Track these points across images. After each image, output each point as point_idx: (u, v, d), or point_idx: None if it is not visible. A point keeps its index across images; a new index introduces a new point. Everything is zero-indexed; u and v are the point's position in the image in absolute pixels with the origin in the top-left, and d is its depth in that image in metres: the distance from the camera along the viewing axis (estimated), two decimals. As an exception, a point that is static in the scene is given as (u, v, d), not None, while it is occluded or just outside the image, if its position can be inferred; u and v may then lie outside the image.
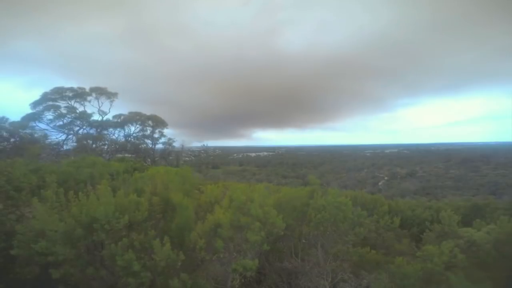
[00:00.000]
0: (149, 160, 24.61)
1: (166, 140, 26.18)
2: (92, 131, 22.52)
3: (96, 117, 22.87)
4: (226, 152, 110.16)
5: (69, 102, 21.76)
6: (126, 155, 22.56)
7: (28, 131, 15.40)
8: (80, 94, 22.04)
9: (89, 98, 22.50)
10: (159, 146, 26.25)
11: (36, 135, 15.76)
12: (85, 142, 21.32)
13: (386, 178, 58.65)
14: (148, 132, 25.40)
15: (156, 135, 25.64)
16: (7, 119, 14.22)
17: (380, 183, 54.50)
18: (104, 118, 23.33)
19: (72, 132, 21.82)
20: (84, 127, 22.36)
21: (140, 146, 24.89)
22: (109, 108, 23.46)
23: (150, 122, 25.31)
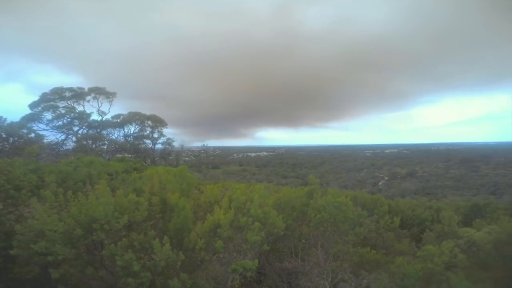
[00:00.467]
0: (149, 160, 24.60)
1: (165, 140, 26.19)
2: (92, 131, 22.51)
3: (95, 117, 22.91)
4: (226, 152, 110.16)
5: (68, 102, 21.77)
6: (126, 155, 22.55)
7: (25, 131, 15.36)
8: (79, 94, 22.03)
9: (87, 98, 22.51)
10: (159, 146, 26.28)
11: (33, 135, 15.71)
12: (84, 142, 21.31)
13: (386, 178, 58.65)
14: (148, 132, 25.41)
15: (155, 135, 25.67)
16: (5, 119, 14.21)
17: (380, 183, 54.50)
18: (104, 118, 23.35)
19: (71, 132, 21.81)
20: (84, 127, 22.36)
21: (139, 146, 24.89)
22: (109, 108, 23.49)
23: (149, 122, 25.31)
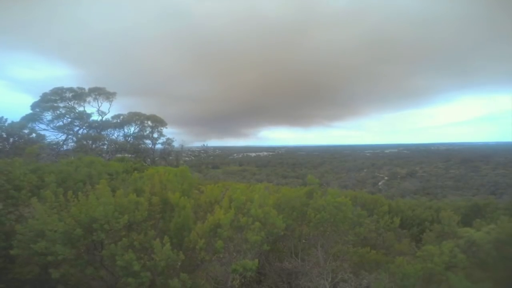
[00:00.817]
0: (148, 160, 24.61)
1: (165, 140, 26.20)
2: (92, 131, 22.53)
3: (96, 117, 22.94)
4: (226, 152, 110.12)
5: (69, 103, 21.79)
6: (126, 155, 22.56)
7: (25, 131, 15.36)
8: (79, 95, 22.06)
9: (88, 98, 22.54)
10: (159, 146, 26.30)
11: (33, 135, 15.69)
12: (84, 142, 21.32)
13: (386, 178, 58.64)
14: (147, 132, 25.42)
15: (155, 135, 25.68)
16: (6, 119, 14.20)
17: (380, 183, 54.50)
18: (104, 118, 23.38)
19: (72, 132, 21.83)
20: (84, 127, 22.38)
21: (139, 146, 24.90)
22: (109, 108, 23.52)
23: (149, 122, 25.32)
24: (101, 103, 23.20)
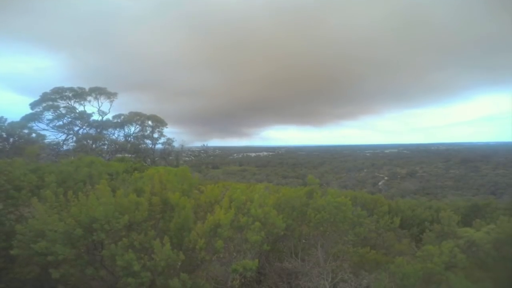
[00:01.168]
0: (149, 160, 24.63)
1: (165, 140, 26.24)
2: (92, 131, 22.55)
3: (96, 117, 22.97)
4: (226, 152, 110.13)
5: (69, 102, 21.82)
6: (126, 155, 22.58)
7: (26, 131, 15.36)
8: (79, 94, 22.09)
9: (88, 98, 22.57)
10: (159, 146, 26.33)
11: (34, 135, 15.69)
12: (85, 142, 21.34)
13: (386, 178, 58.64)
14: (148, 132, 25.46)
15: (155, 135, 25.71)
16: (5, 119, 14.21)
17: (380, 183, 54.50)
18: (104, 118, 23.40)
19: (72, 132, 21.85)
20: (84, 127, 22.41)
21: (140, 146, 24.92)
22: (109, 108, 23.54)
23: (149, 122, 25.36)
24: (102, 103, 23.25)
